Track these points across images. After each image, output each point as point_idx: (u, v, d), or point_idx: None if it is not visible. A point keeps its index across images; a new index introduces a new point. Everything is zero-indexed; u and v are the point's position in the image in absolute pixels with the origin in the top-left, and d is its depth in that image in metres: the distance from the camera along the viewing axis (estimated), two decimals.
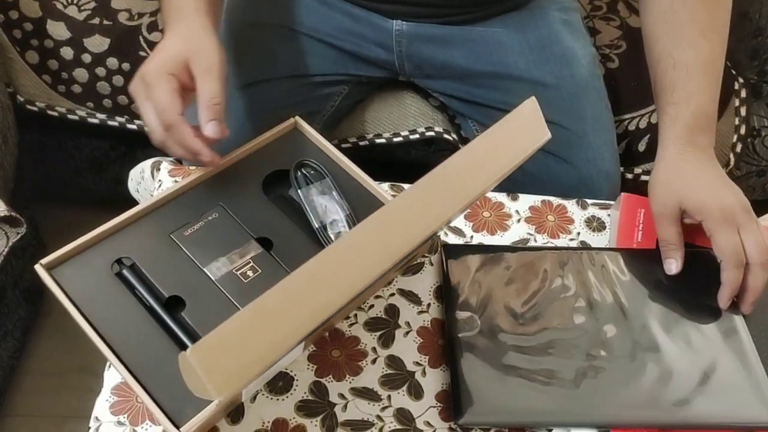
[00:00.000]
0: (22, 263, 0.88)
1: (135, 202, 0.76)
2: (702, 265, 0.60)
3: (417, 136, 0.90)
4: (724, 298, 0.58)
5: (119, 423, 0.49)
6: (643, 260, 0.61)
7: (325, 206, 0.58)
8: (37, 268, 0.52)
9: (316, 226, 0.57)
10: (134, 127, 0.93)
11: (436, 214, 0.41)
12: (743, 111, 0.94)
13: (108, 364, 0.52)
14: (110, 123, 0.93)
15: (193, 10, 0.59)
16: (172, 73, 0.54)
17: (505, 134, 0.45)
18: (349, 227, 0.58)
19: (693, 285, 0.59)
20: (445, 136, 0.90)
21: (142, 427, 0.49)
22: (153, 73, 0.54)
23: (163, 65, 0.55)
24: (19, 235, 0.70)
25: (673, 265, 0.59)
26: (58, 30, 0.89)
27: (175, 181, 0.64)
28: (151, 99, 0.54)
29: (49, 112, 0.92)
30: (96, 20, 0.89)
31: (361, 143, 0.90)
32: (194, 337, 0.50)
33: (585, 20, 0.96)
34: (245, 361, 0.30)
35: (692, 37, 0.64)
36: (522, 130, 0.46)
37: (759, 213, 1.36)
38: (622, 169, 0.93)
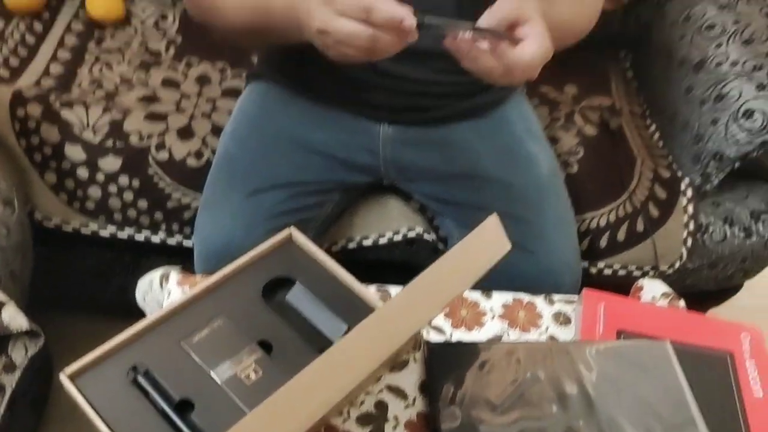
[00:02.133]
0: (30, 373, 0.92)
1: (140, 310, 0.83)
2: (657, 357, 0.66)
3: (400, 237, 0.98)
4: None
5: None
6: (606, 352, 0.66)
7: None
8: (62, 377, 0.57)
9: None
10: (141, 238, 1.01)
11: (418, 317, 0.48)
12: (690, 209, 1.04)
13: None
14: (119, 236, 1.00)
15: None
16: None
17: (473, 247, 0.53)
18: None
19: (654, 377, 0.64)
20: (425, 236, 0.98)
21: None
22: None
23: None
24: (38, 347, 0.74)
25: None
26: (74, 153, 0.97)
27: (183, 291, 0.71)
28: (343, 8, 0.60)
29: (64, 227, 0.99)
30: (110, 142, 0.98)
31: (350, 245, 0.98)
32: None
33: (546, 130, 1.08)
34: None
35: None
36: (487, 243, 0.55)
37: (712, 303, 1.42)
38: (586, 263, 1.01)
